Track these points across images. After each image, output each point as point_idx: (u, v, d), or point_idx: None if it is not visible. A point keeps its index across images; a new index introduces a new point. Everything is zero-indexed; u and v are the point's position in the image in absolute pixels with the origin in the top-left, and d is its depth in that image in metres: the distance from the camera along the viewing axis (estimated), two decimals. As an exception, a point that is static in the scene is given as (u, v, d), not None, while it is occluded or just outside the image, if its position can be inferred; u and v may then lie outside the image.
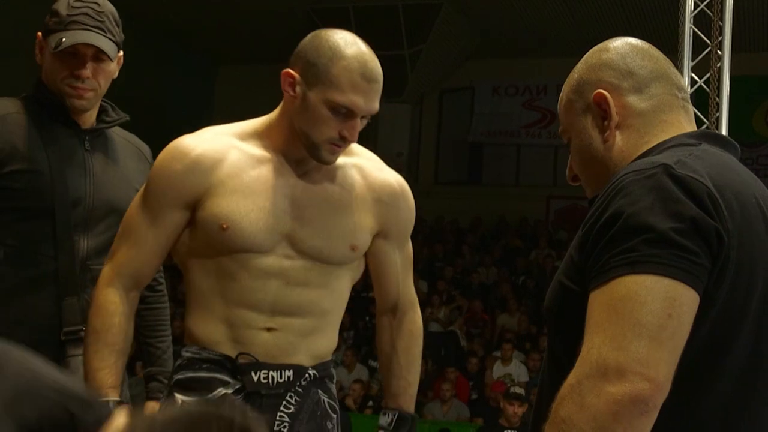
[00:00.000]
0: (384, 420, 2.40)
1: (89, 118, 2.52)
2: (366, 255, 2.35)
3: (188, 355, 2.25)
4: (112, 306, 2.22)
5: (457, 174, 16.66)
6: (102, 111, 2.57)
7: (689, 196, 1.40)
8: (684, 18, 6.02)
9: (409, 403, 2.42)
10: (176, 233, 2.23)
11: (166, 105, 14.90)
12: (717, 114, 5.91)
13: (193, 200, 2.19)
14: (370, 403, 10.43)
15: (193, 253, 2.24)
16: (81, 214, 2.42)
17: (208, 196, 2.18)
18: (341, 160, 2.26)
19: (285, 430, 2.21)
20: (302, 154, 2.21)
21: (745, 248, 1.43)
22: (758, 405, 1.48)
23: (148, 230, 2.21)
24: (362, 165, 2.33)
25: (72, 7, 2.41)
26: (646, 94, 1.63)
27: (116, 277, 2.23)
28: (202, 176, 2.18)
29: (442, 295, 12.57)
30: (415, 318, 2.46)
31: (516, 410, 7.63)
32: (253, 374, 2.19)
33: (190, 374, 2.23)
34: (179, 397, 2.22)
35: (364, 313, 12.67)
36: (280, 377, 2.21)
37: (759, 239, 1.46)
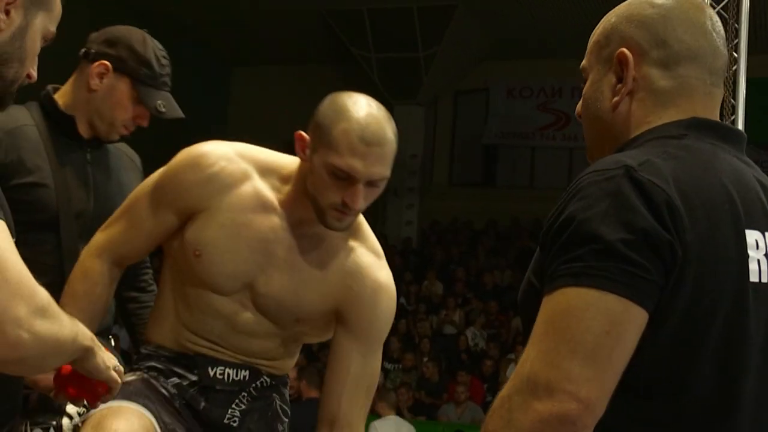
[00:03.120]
0: None
1: (90, 129, 2.56)
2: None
3: (146, 351, 2.29)
4: (97, 276, 2.26)
5: (472, 176, 16.63)
6: None
7: (646, 204, 1.29)
8: (700, 20, 5.99)
9: None
10: (166, 234, 2.23)
11: (181, 106, 14.90)
12: (733, 116, 5.89)
13: (189, 212, 2.18)
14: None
15: (169, 264, 2.28)
16: (83, 226, 2.47)
17: (200, 217, 2.16)
18: (347, 241, 2.20)
19: (235, 424, 2.21)
20: (307, 215, 2.13)
21: (706, 261, 1.32)
22: (731, 421, 1.36)
23: (147, 218, 2.22)
24: (358, 252, 2.21)
25: (161, 64, 2.53)
26: (671, 72, 1.47)
27: (107, 250, 2.26)
28: (207, 195, 2.15)
29: (457, 298, 12.55)
30: None
31: None
32: (209, 369, 2.21)
33: (148, 363, 2.26)
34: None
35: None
36: (236, 375, 2.22)
37: (725, 249, 1.34)
